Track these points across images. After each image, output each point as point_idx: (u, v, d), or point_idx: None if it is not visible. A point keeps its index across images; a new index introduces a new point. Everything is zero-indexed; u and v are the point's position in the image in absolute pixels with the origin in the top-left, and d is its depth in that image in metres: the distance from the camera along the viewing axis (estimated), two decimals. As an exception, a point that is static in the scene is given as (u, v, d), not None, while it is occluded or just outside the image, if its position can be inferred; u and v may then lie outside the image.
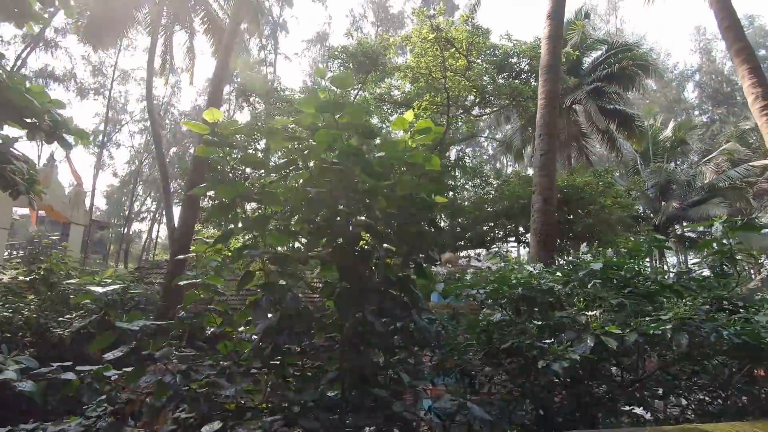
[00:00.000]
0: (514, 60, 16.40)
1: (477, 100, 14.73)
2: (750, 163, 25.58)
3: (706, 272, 4.18)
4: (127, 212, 37.33)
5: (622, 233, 11.45)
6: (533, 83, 16.87)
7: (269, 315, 2.09)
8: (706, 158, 30.76)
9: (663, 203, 26.23)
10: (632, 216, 13.18)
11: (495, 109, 16.79)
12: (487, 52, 15.73)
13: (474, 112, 18.44)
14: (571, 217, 13.06)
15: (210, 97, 10.71)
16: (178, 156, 33.85)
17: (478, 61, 14.38)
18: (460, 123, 14.53)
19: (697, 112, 49.34)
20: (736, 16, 7.62)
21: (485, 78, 14.38)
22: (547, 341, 2.44)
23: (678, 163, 37.24)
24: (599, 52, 23.90)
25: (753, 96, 7.09)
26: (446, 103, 12.61)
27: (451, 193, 17.33)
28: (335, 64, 12.87)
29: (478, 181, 17.80)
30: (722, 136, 32.63)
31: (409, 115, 2.77)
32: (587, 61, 24.12)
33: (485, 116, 19.47)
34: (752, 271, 32.37)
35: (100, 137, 37.77)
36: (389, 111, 15.92)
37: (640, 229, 28.27)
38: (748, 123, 35.42)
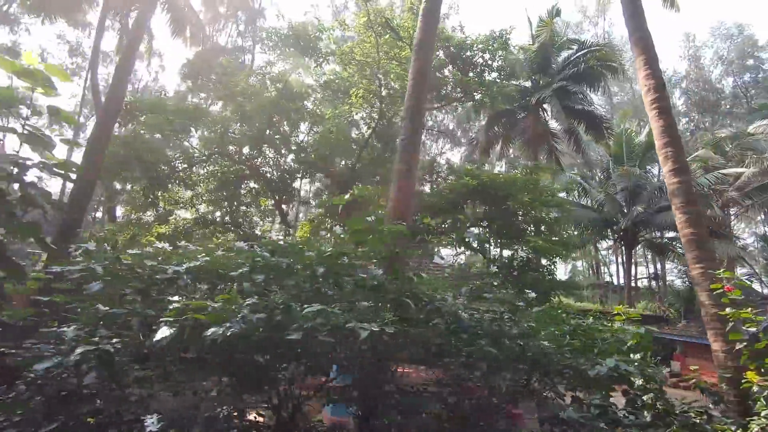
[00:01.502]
0: (469, 53, 15.97)
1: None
2: (721, 171, 25.22)
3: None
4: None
5: (559, 234, 11.08)
6: (487, 77, 16.44)
7: None
8: (679, 164, 30.36)
9: (633, 208, 25.79)
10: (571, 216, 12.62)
11: (444, 103, 16.38)
12: (443, 44, 15.31)
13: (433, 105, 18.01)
14: (523, 216, 12.68)
15: (120, 63, 10.20)
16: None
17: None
18: (392, 114, 14.06)
19: (685, 120, 48.95)
20: (639, 4, 7.22)
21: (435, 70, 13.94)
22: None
23: (656, 169, 36.89)
24: (571, 51, 23.48)
25: (646, 88, 6.72)
26: (379, 92, 12.20)
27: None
28: (268, 46, 12.45)
29: (434, 176, 17.42)
30: (699, 143, 32.31)
31: (27, 57, 2.38)
32: (559, 60, 23.69)
33: (446, 109, 18.96)
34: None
35: (79, 119, 37.30)
36: (339, 99, 15.47)
37: (593, 233, 27.86)
38: (724, 131, 35.12)
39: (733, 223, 46.44)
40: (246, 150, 12.90)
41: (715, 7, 69.85)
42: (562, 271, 55.47)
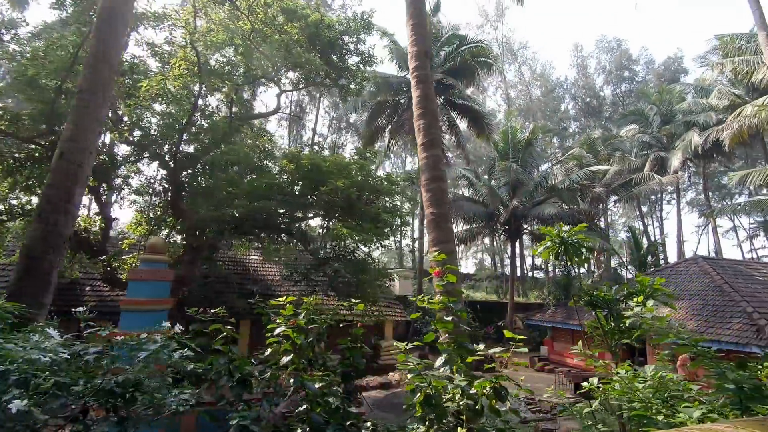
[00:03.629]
0: (326, 33, 14.97)
1: (273, 73, 13.06)
2: (590, 168, 27.16)
3: None
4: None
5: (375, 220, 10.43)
6: (349, 60, 15.62)
7: None
8: (557, 162, 32.74)
9: (512, 201, 26.81)
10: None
11: (304, 86, 15.30)
12: (301, 23, 14.15)
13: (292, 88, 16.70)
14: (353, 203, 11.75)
15: None
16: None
17: (268, 27, 12.72)
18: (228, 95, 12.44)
19: (576, 123, 53.34)
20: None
21: (277, 46, 12.75)
22: None
23: (543, 165, 39.49)
24: (453, 47, 23.78)
25: (410, 55, 6.17)
26: (198, 63, 10.68)
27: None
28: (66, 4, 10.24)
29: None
30: (575, 142, 35.17)
31: None
32: (442, 54, 23.88)
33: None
34: (594, 265, 33.97)
35: None
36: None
37: (479, 224, 28.74)
38: (596, 132, 38.44)
39: (615, 217, 51.51)
40: (32, 126, 10.62)
41: (603, 19, 77.46)
42: (464, 265, 57.59)
